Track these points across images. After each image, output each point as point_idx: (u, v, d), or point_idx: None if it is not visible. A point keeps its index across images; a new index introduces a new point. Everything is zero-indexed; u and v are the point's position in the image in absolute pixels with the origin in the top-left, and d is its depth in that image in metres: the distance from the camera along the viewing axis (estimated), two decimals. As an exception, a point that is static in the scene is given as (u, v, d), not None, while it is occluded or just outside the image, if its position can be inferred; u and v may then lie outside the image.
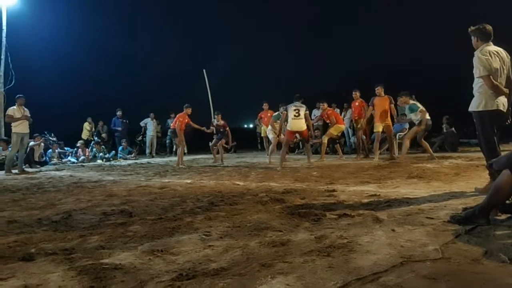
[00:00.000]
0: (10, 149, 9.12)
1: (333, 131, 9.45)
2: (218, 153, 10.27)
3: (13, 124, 8.72)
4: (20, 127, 8.75)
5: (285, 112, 7.85)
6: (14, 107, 8.82)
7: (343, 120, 11.06)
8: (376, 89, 8.47)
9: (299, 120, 7.52)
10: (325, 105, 9.81)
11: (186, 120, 9.68)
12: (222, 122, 10.32)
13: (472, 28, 3.82)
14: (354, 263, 1.82)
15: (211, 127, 10.46)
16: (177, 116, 9.78)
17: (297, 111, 7.51)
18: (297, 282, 1.62)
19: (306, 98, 7.94)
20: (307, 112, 7.74)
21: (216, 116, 10.49)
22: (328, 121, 9.84)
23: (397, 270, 1.72)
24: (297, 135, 8.14)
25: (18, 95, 9.14)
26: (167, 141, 14.99)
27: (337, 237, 2.26)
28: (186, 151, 14.73)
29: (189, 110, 9.73)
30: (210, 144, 10.43)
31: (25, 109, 8.97)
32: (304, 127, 7.60)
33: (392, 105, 8.47)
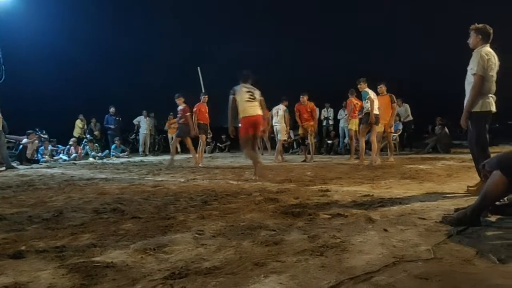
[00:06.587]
0: None
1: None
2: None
3: None
4: None
5: (233, 96, 5.72)
6: None
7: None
8: (378, 87, 8.14)
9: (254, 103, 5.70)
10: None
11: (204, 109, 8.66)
12: None
13: (478, 25, 3.77)
14: (347, 263, 1.82)
15: None
16: (196, 107, 8.66)
17: (250, 93, 5.70)
18: (290, 281, 1.62)
19: (314, 98, 7.49)
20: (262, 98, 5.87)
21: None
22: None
23: (390, 269, 1.73)
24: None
25: None
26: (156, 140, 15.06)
27: (330, 237, 2.26)
28: (179, 150, 14.72)
29: (206, 98, 8.79)
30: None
31: None
32: (260, 112, 5.74)
33: (394, 104, 8.20)
